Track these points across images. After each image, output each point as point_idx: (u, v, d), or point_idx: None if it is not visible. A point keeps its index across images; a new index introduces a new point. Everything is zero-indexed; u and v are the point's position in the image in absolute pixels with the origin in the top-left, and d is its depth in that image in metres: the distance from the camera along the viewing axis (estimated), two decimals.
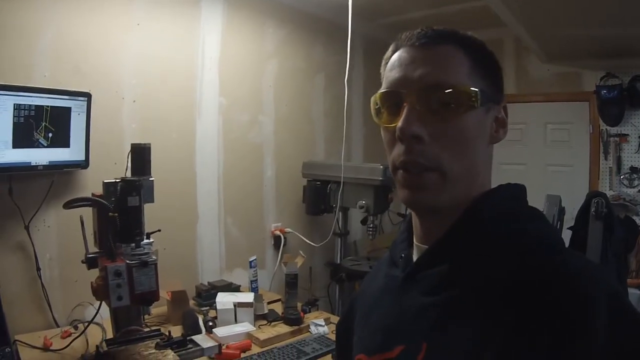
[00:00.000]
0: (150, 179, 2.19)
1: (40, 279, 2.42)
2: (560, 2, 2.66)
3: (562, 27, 3.15)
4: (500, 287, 0.66)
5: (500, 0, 2.66)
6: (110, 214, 1.89)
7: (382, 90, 0.79)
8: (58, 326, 2.43)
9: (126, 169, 2.24)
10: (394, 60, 0.78)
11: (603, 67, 3.88)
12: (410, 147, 0.72)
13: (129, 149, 2.22)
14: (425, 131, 0.71)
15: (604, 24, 3.01)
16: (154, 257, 1.94)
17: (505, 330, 0.62)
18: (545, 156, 4.26)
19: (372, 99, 0.80)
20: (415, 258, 0.82)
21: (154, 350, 1.94)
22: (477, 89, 0.72)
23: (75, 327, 2.36)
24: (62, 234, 2.51)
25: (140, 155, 2.21)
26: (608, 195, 3.21)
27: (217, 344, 2.20)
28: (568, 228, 2.96)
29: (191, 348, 2.12)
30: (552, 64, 4.07)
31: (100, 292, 1.81)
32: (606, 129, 3.96)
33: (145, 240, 2.01)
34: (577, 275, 0.64)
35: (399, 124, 0.72)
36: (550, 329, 0.59)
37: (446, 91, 0.72)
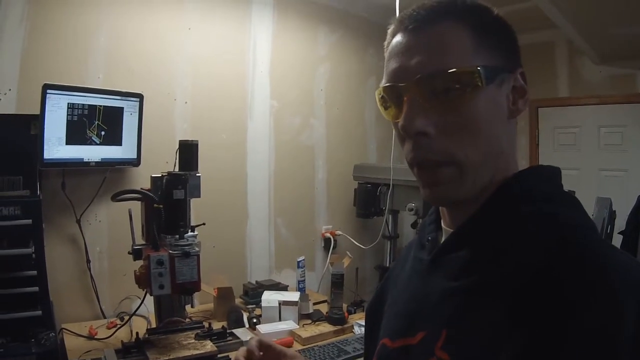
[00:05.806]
0: (197, 174, 2.25)
1: (90, 271, 2.51)
2: None
3: (614, 26, 3.03)
4: (526, 275, 0.61)
5: (548, 0, 2.60)
6: (155, 205, 1.95)
7: (382, 84, 0.74)
8: (105, 317, 2.51)
9: (174, 165, 2.31)
10: (391, 49, 0.74)
11: None
12: (418, 144, 0.69)
13: None
14: (431, 123, 0.67)
15: None
16: (196, 249, 1.98)
17: (527, 324, 0.57)
18: (598, 161, 4.04)
19: (376, 94, 0.76)
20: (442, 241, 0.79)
21: (193, 340, 1.99)
22: (479, 67, 0.66)
23: (122, 319, 2.43)
24: (113, 229, 2.59)
25: (188, 151, 2.27)
26: None
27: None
28: (619, 232, 2.84)
29: (230, 340, 2.15)
30: (605, 65, 3.90)
31: (143, 280, 1.87)
32: None
33: (190, 233, 2.06)
34: (611, 270, 0.57)
35: (401, 121, 0.69)
36: (575, 328, 0.54)
37: (447, 75, 0.66)
